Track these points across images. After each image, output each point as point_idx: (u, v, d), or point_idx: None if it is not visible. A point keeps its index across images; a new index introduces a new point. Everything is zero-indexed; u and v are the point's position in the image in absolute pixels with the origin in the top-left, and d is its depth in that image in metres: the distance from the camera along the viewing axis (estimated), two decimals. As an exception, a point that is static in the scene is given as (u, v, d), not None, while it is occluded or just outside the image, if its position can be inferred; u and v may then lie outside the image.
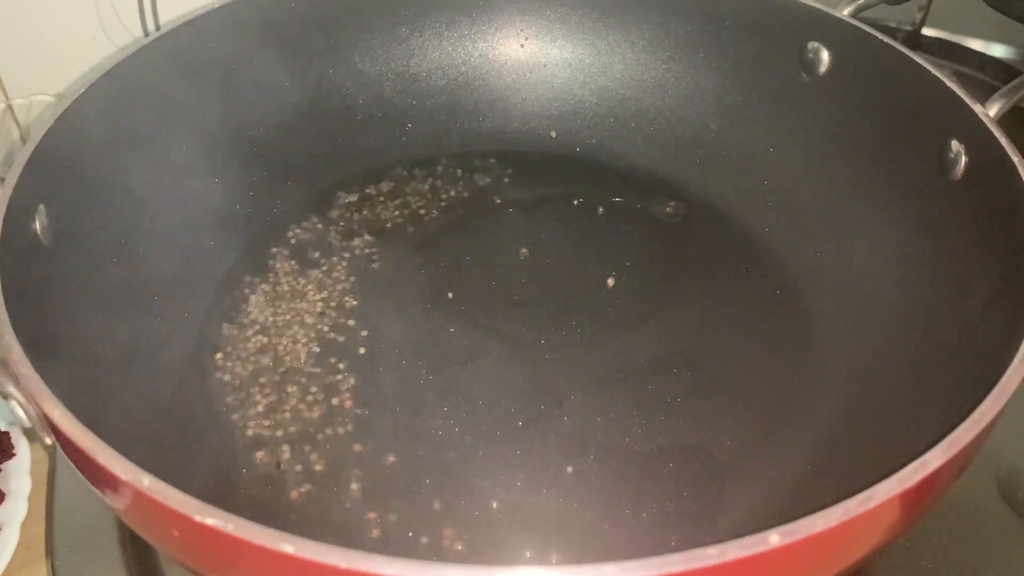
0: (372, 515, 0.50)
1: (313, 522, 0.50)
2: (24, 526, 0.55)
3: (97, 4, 0.78)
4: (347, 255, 0.66)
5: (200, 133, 0.65)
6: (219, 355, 0.59)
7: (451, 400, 0.56)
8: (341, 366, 0.58)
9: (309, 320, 0.61)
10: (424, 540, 0.49)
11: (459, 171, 0.73)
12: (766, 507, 0.51)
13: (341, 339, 0.60)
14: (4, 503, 0.56)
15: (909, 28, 0.87)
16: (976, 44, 0.86)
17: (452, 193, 0.71)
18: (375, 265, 0.65)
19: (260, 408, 0.56)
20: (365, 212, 0.69)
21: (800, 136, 0.68)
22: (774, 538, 0.31)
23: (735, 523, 0.50)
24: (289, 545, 0.30)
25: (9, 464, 0.58)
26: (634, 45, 0.74)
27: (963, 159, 0.54)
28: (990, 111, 0.54)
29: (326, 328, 0.61)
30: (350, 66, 0.73)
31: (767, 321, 0.61)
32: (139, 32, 0.80)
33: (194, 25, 0.63)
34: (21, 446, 0.58)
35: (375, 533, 0.49)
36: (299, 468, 0.52)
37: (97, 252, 0.55)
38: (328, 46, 0.72)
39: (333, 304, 0.62)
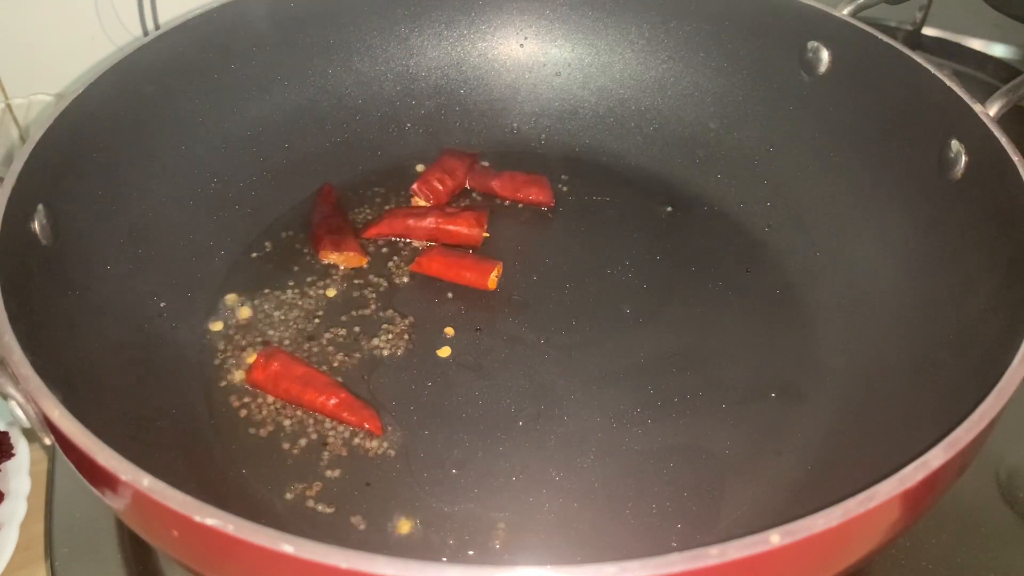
0: (372, 516, 0.50)
1: (312, 523, 0.50)
2: (23, 526, 0.54)
3: (97, 4, 0.78)
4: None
5: (199, 133, 0.65)
6: (219, 355, 0.59)
7: (451, 400, 0.56)
8: (340, 366, 0.58)
9: (308, 321, 0.61)
10: (424, 540, 0.49)
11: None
12: (766, 507, 0.51)
13: (340, 339, 0.60)
14: (3, 503, 0.55)
15: (909, 28, 0.88)
16: (976, 44, 0.86)
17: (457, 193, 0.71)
18: (375, 265, 0.65)
19: (260, 409, 0.56)
20: (365, 212, 0.69)
21: (800, 136, 0.68)
22: (774, 538, 0.31)
23: (735, 523, 0.50)
24: (289, 545, 0.30)
25: (8, 464, 0.58)
26: (634, 45, 0.74)
27: (963, 158, 0.54)
28: (990, 111, 0.53)
29: (325, 329, 0.61)
30: (349, 66, 0.73)
31: (767, 321, 0.61)
32: (139, 32, 0.80)
33: (194, 25, 0.63)
34: (20, 446, 0.58)
35: (374, 533, 0.49)
36: (299, 468, 0.52)
37: (96, 252, 0.55)
38: (327, 46, 0.72)
39: (332, 304, 0.62)
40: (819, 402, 0.56)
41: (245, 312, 0.61)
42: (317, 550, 0.30)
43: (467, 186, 0.71)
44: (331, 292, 0.63)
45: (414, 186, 0.69)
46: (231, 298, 0.62)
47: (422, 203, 0.69)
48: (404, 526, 0.50)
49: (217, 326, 0.60)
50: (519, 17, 0.75)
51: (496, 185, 0.70)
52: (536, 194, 0.70)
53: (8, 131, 0.77)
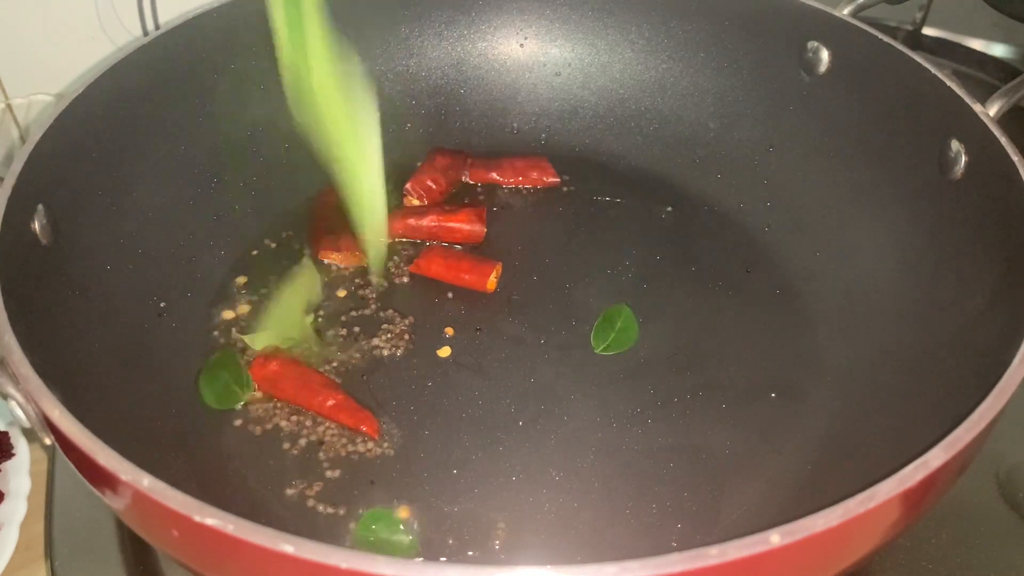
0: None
1: (312, 523, 0.50)
2: (23, 526, 0.54)
3: (97, 4, 0.78)
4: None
5: (200, 133, 0.65)
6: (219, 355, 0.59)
7: (451, 400, 0.56)
8: (339, 366, 0.58)
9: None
10: (424, 540, 0.49)
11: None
12: (766, 507, 0.51)
13: (340, 340, 0.60)
14: (3, 503, 0.55)
15: (909, 28, 0.88)
16: (976, 44, 0.86)
17: (451, 193, 0.71)
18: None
19: (260, 409, 0.56)
20: (365, 212, 0.69)
21: (800, 136, 0.68)
22: (774, 538, 0.31)
23: (735, 523, 0.50)
24: (289, 545, 0.30)
25: (8, 464, 0.58)
26: (634, 45, 0.74)
27: (963, 158, 0.54)
28: (990, 111, 0.54)
29: (325, 329, 0.60)
30: (349, 66, 0.73)
31: (767, 321, 0.61)
32: (139, 32, 0.80)
33: (194, 25, 0.63)
34: (20, 446, 0.58)
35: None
36: (299, 468, 0.52)
37: (96, 252, 0.55)
38: (328, 46, 0.72)
39: (332, 304, 0.62)
40: (819, 402, 0.56)
41: (245, 311, 0.61)
42: (317, 550, 0.30)
43: (467, 180, 0.71)
44: (341, 293, 0.63)
45: (407, 186, 0.69)
46: (231, 298, 0.62)
47: (416, 203, 0.68)
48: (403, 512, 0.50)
49: (217, 326, 0.60)
50: (519, 17, 0.75)
51: (498, 174, 0.71)
52: (539, 175, 0.70)
53: (8, 131, 0.77)
